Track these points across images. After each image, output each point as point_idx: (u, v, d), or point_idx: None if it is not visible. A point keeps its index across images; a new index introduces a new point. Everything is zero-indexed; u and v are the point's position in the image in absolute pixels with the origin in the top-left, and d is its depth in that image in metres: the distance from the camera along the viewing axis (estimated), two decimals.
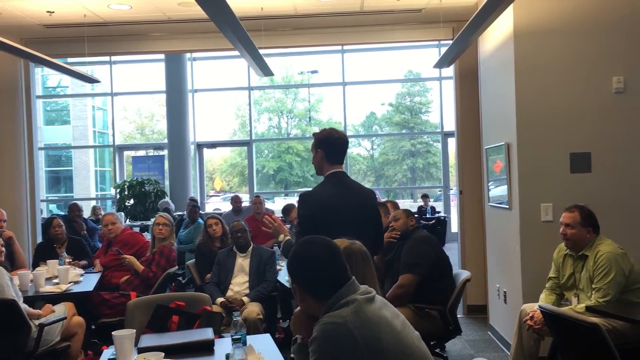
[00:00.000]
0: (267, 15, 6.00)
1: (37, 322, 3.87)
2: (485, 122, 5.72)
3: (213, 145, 14.24)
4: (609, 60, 4.56)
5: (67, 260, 5.26)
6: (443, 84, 13.56)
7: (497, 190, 5.24)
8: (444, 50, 5.73)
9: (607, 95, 4.56)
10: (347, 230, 2.93)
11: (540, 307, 3.54)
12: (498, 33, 5.04)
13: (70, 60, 9.84)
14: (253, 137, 13.40)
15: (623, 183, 4.56)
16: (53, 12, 5.80)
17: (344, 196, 3.17)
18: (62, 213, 12.12)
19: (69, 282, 4.72)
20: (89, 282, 4.88)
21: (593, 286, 3.63)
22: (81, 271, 5.17)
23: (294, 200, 20.27)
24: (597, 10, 4.56)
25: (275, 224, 3.26)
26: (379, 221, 3.46)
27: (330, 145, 3.21)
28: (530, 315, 3.76)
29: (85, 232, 7.18)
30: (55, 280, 4.80)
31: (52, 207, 18.24)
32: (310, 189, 3.45)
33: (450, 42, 5.64)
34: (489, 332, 5.69)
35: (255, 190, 12.93)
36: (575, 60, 4.59)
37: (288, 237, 3.23)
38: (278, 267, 5.17)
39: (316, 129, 22.65)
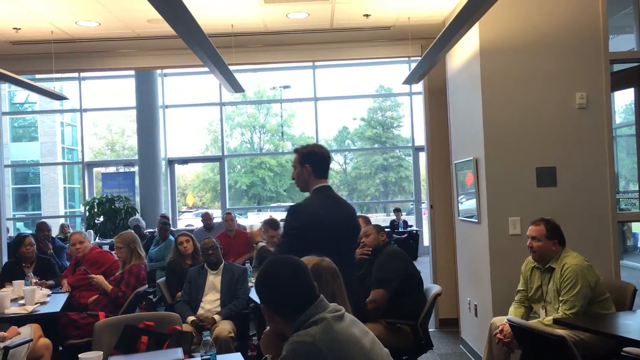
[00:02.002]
0: (237, 32, 6.02)
1: (1, 344, 3.77)
2: (454, 138, 5.80)
3: (185, 161, 14.14)
4: (571, 77, 4.68)
5: (34, 280, 5.15)
6: (413, 98, 13.72)
7: (467, 204, 5.31)
8: (414, 65, 5.82)
9: (571, 110, 4.67)
10: (337, 244, 3.01)
11: (508, 320, 3.58)
12: (465, 50, 5.14)
13: (38, 76, 9.71)
14: (225, 153, 13.34)
15: (587, 196, 4.66)
16: (19, 28, 5.73)
17: (335, 209, 3.19)
18: (30, 232, 11.87)
19: (36, 303, 4.62)
20: (56, 302, 4.78)
21: (560, 298, 3.69)
22: (48, 291, 5.06)
23: (266, 215, 20.27)
24: (560, 28, 4.69)
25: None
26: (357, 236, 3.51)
27: (317, 160, 3.22)
28: (499, 328, 3.80)
29: (52, 251, 7.03)
30: (21, 302, 4.69)
31: (20, 225, 17.86)
32: (291, 203, 3.46)
33: (419, 58, 5.73)
34: (460, 346, 5.73)
35: (227, 206, 12.85)
36: (539, 76, 4.69)
37: (262, 244, 3.22)
38: (250, 284, 5.13)
39: (289, 144, 22.58)
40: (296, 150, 3.30)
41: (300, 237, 3.02)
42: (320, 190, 3.21)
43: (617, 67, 5.19)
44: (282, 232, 3.16)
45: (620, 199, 7.91)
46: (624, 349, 2.84)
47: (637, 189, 5.28)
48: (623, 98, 8.02)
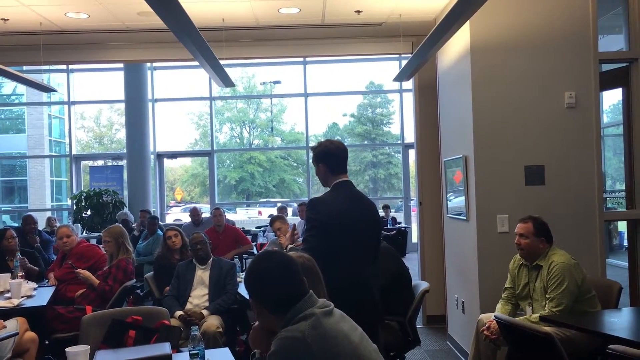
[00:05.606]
0: (228, 27, 5.99)
1: None
2: (443, 135, 5.82)
3: (173, 155, 14.08)
4: (561, 76, 4.71)
5: (20, 273, 5.11)
6: (404, 96, 13.74)
7: (456, 202, 5.33)
8: (404, 63, 5.82)
9: (560, 110, 4.70)
10: (356, 239, 3.05)
11: (495, 317, 3.61)
12: (455, 48, 5.15)
13: (26, 67, 9.62)
14: (214, 148, 13.30)
15: (575, 195, 4.70)
16: (7, 19, 5.67)
17: (353, 205, 3.17)
18: (16, 225, 11.77)
19: (22, 297, 4.58)
20: (42, 296, 4.74)
21: (547, 296, 3.72)
22: (34, 285, 5.02)
23: (255, 210, 20.22)
24: (549, 28, 4.71)
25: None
26: (381, 231, 3.48)
27: (330, 157, 3.21)
28: (486, 325, 3.82)
29: (39, 244, 6.97)
30: (7, 295, 4.65)
31: (5, 217, 17.70)
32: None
33: (410, 56, 5.73)
34: (447, 342, 5.76)
35: (216, 201, 12.82)
36: (528, 75, 4.72)
37: (291, 246, 3.23)
38: (238, 279, 5.12)
39: (279, 140, 22.44)
40: (311, 149, 3.31)
41: (320, 228, 3.02)
42: (339, 186, 3.20)
43: (606, 67, 5.23)
44: (305, 228, 3.12)
45: (607, 198, 7.97)
46: (610, 346, 2.87)
47: (623, 188, 5.33)
48: (610, 98, 8.09)
